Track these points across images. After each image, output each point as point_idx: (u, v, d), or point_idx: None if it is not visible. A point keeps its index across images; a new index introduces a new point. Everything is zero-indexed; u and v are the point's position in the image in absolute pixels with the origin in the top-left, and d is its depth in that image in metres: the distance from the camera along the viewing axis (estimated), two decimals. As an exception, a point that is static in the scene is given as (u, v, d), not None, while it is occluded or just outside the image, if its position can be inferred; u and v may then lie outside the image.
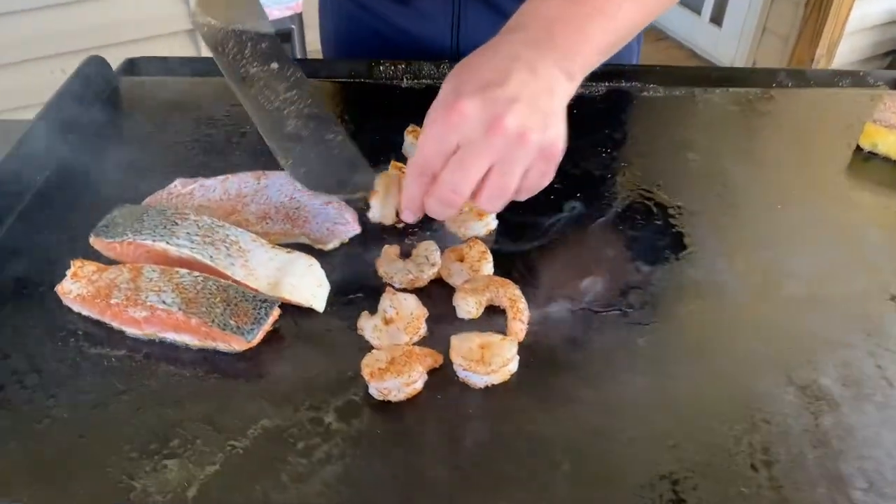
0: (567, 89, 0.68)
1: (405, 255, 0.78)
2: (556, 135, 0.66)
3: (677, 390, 0.66)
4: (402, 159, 0.90)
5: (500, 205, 0.68)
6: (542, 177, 0.68)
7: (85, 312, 0.71)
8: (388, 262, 0.76)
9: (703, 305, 0.74)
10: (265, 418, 0.63)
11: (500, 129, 0.63)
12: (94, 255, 0.76)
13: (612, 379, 0.67)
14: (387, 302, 0.71)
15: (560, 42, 0.68)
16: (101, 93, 1.02)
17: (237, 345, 0.67)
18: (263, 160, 0.90)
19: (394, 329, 0.69)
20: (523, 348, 0.68)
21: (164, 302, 0.67)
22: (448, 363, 0.67)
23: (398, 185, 0.78)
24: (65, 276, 0.72)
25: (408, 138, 0.92)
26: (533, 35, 0.68)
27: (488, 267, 0.75)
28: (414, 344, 0.69)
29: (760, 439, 0.62)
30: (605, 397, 0.65)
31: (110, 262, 0.75)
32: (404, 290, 0.73)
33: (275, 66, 0.88)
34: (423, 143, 0.66)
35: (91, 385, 0.66)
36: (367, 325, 0.69)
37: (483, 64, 0.67)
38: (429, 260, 0.76)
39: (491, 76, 0.64)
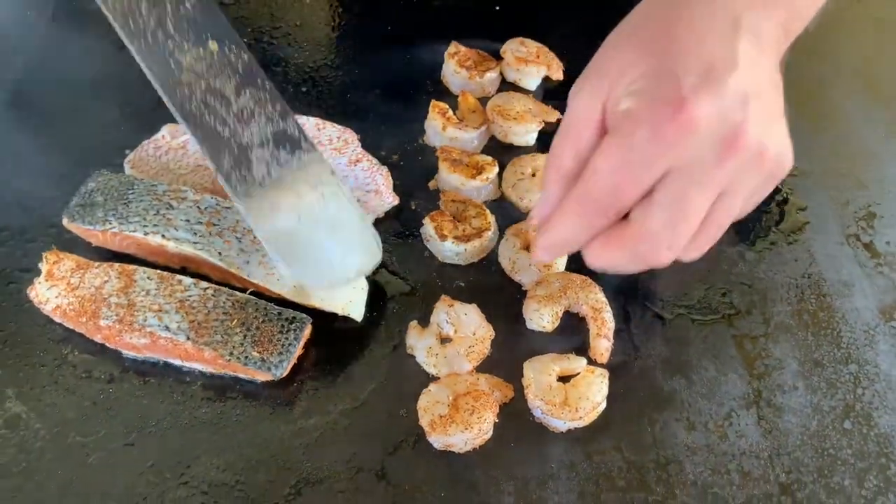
0: (783, 51, 0.48)
1: (457, 215, 0.64)
2: (787, 143, 0.46)
3: (795, 431, 0.55)
4: (442, 94, 0.73)
5: (705, 250, 0.48)
6: (761, 198, 0.48)
7: (68, 326, 0.57)
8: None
9: (825, 310, 0.61)
10: (304, 475, 0.52)
11: (739, 149, 0.42)
12: (65, 235, 0.61)
13: (716, 416, 0.55)
14: (442, 315, 0.57)
15: None
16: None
17: (261, 377, 0.55)
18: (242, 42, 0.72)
19: (452, 353, 0.56)
20: (608, 371, 0.56)
21: (167, 328, 0.53)
22: (520, 392, 0.55)
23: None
24: (36, 267, 0.57)
25: (450, 64, 0.73)
26: None
27: (562, 260, 0.61)
28: (477, 369, 0.56)
29: (896, 500, 0.52)
30: (710, 443, 0.54)
31: (87, 245, 0.61)
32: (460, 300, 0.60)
33: (214, 46, 0.60)
34: (606, 166, 0.44)
35: (85, 426, 0.53)
36: (419, 346, 0.56)
37: (694, 25, 0.44)
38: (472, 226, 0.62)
39: (713, 52, 0.43)
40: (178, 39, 0.59)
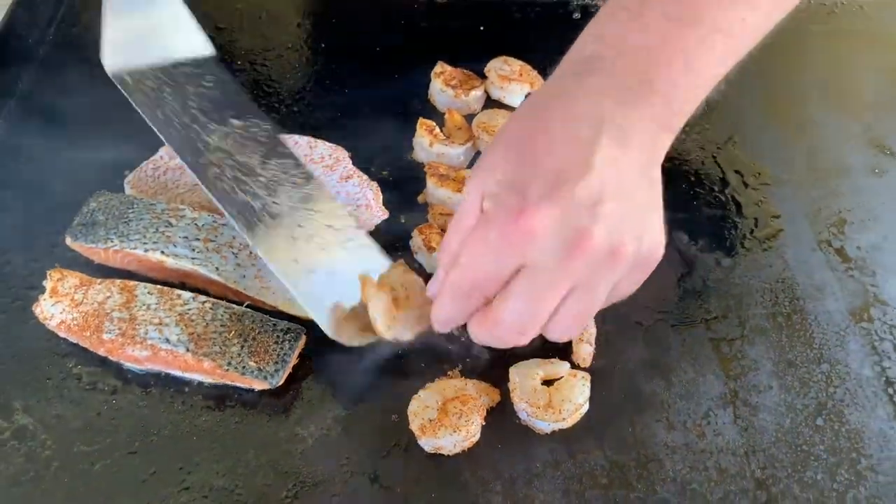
0: (665, 146, 0.50)
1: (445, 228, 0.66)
2: (655, 241, 0.48)
3: (770, 428, 0.57)
4: (429, 112, 0.76)
5: (575, 333, 0.52)
6: (634, 286, 0.51)
7: (72, 340, 0.59)
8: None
9: (798, 313, 0.63)
10: (300, 479, 0.54)
11: (584, 251, 0.45)
12: (68, 253, 0.64)
13: (694, 416, 0.58)
14: (397, 277, 0.57)
15: (661, 85, 0.48)
16: (52, 20, 0.83)
17: (258, 386, 0.57)
18: (262, 112, 0.75)
19: (402, 319, 0.56)
20: (591, 374, 0.58)
21: (167, 340, 0.56)
22: (506, 396, 0.58)
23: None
24: (40, 285, 0.60)
25: (436, 83, 0.76)
26: (621, 77, 0.48)
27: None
28: (464, 374, 0.59)
29: (867, 493, 0.55)
30: (689, 441, 0.56)
31: (89, 263, 0.63)
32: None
33: (237, 122, 0.64)
34: (467, 260, 0.48)
35: (90, 436, 0.55)
36: (379, 307, 0.55)
37: (552, 133, 0.47)
38: None
39: (566, 160, 0.46)
40: (202, 121, 0.63)
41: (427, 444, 0.55)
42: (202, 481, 0.54)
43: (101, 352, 0.58)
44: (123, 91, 0.63)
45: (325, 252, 0.60)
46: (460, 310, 0.50)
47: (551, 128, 0.48)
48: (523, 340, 0.50)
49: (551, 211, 0.45)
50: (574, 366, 0.59)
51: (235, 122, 0.63)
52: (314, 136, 0.71)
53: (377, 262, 0.60)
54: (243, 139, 0.63)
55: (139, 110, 0.62)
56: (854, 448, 0.56)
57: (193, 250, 0.60)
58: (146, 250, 0.60)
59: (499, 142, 0.50)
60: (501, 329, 0.49)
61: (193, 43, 0.67)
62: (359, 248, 0.61)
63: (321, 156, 0.69)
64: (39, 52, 0.80)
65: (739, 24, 0.51)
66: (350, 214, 0.63)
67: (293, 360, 0.57)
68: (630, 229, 0.46)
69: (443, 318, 0.52)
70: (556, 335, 0.50)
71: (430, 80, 0.77)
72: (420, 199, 0.70)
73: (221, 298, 0.60)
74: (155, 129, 0.62)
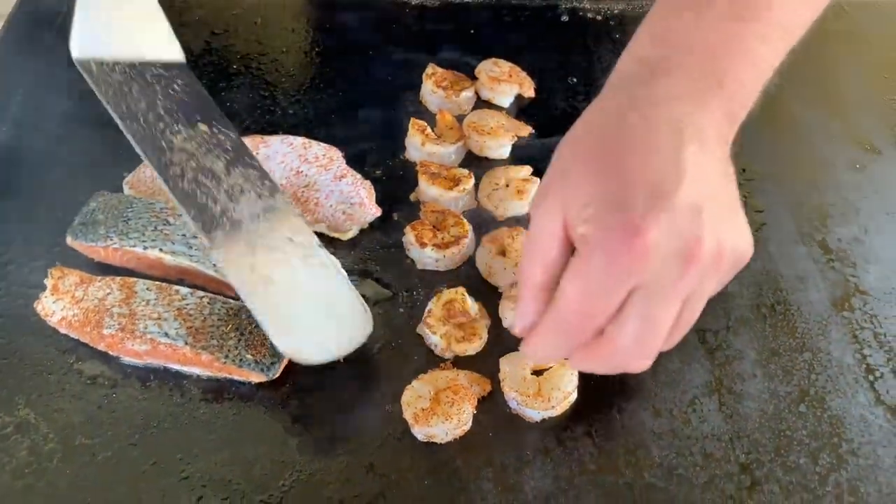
0: (731, 138, 0.49)
1: (437, 224, 0.68)
2: (747, 239, 0.48)
3: (754, 415, 0.59)
4: (421, 112, 0.78)
5: (678, 342, 0.50)
6: (724, 283, 0.50)
7: (73, 336, 0.61)
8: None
9: (781, 304, 0.65)
10: (297, 469, 0.56)
11: (697, 261, 0.44)
12: (68, 252, 0.65)
13: (680, 403, 0.59)
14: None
15: (729, 83, 0.48)
16: (52, 24, 0.85)
17: (255, 379, 0.58)
18: (258, 114, 0.78)
19: None
20: (579, 365, 0.60)
21: (166, 334, 0.57)
22: (497, 386, 0.59)
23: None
24: (42, 283, 0.61)
25: (428, 84, 0.78)
26: (691, 78, 0.48)
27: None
28: (456, 365, 0.60)
29: (848, 476, 0.56)
30: (675, 428, 0.58)
31: (89, 261, 0.65)
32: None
33: (203, 127, 0.62)
34: (576, 292, 0.45)
35: (91, 429, 0.57)
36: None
37: (635, 143, 0.46)
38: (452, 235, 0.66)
39: (657, 170, 0.44)
40: (168, 121, 0.61)
41: (420, 432, 0.56)
42: (201, 472, 0.55)
43: (102, 347, 0.59)
44: (89, 80, 0.62)
45: (284, 265, 0.59)
46: (567, 344, 0.48)
47: (633, 137, 0.46)
48: (644, 365, 0.49)
49: (664, 223, 0.43)
50: (563, 356, 0.61)
51: (202, 126, 0.62)
52: (308, 136, 0.73)
53: (337, 279, 0.60)
54: (209, 144, 0.61)
55: (103, 100, 0.61)
56: (835, 433, 0.58)
57: (191, 248, 0.62)
58: (145, 248, 0.61)
59: (573, 160, 0.48)
60: (621, 357, 0.47)
61: (165, 46, 0.66)
62: (319, 265, 0.60)
63: (315, 156, 0.71)
64: (40, 62, 0.82)
65: (793, 16, 0.52)
66: (311, 232, 0.61)
67: (289, 353, 0.59)
68: (728, 230, 0.46)
69: (542, 354, 0.51)
70: (669, 347, 0.50)
71: (421, 82, 0.79)
72: (412, 196, 0.71)
73: (219, 294, 0.62)
74: (118, 121, 0.60)
